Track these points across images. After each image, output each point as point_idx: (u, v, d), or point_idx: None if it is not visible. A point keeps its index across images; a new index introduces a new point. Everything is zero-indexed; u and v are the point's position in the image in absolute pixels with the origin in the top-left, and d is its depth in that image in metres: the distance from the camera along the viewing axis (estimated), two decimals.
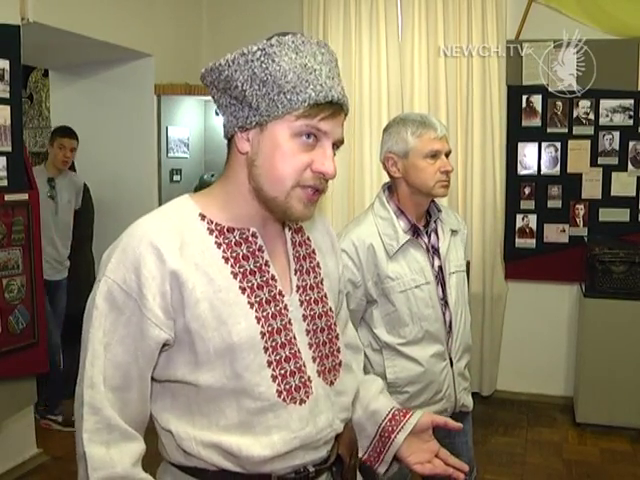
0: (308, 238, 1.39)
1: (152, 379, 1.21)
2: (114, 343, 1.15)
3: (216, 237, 1.22)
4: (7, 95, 3.20)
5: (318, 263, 1.38)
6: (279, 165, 1.17)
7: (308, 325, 1.30)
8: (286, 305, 1.27)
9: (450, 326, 2.17)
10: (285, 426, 1.23)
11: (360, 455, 1.46)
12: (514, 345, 4.81)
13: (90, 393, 1.14)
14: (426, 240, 2.16)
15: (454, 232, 2.25)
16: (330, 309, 1.37)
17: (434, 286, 2.13)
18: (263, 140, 1.18)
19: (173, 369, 1.20)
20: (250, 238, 1.25)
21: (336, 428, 1.32)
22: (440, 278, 2.16)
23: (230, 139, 1.24)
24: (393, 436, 1.44)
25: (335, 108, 1.18)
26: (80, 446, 1.15)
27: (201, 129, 5.35)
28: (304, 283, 1.33)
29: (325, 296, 1.36)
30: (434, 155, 2.07)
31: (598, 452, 3.97)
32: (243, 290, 1.21)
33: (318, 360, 1.31)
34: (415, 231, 2.14)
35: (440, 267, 2.17)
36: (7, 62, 3.18)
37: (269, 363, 1.22)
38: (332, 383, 1.33)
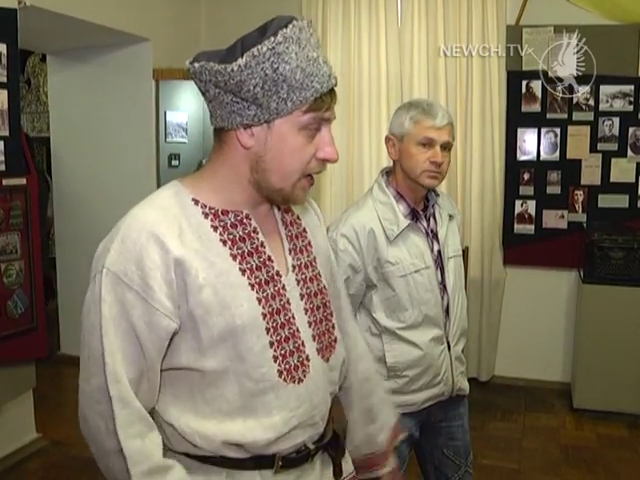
0: (298, 217, 1.41)
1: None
2: (120, 336, 1.15)
3: (211, 221, 1.22)
4: (4, 79, 3.18)
5: (310, 242, 1.40)
6: (288, 160, 1.20)
7: (306, 304, 1.32)
8: (284, 285, 1.28)
9: (448, 310, 2.18)
10: (285, 406, 1.25)
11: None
12: (512, 331, 4.82)
13: (118, 387, 1.13)
14: (425, 224, 2.16)
15: (451, 217, 2.25)
16: (324, 287, 1.39)
17: (433, 270, 2.14)
18: (271, 137, 1.19)
19: (177, 357, 1.20)
20: (244, 220, 1.26)
21: (328, 403, 1.36)
22: (439, 262, 2.17)
23: (221, 129, 1.23)
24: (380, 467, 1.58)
25: (333, 92, 1.20)
26: (113, 442, 1.14)
27: (200, 114, 5.33)
28: (299, 262, 1.34)
29: (319, 274, 1.39)
30: (427, 143, 2.06)
31: (595, 437, 3.98)
32: (243, 272, 1.22)
33: (317, 338, 1.33)
34: (414, 215, 2.14)
35: (439, 251, 2.17)
36: (4, 46, 3.16)
37: (271, 344, 1.23)
38: (328, 360, 1.36)
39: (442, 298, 2.16)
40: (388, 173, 2.21)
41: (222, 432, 1.21)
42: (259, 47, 1.11)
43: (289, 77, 1.12)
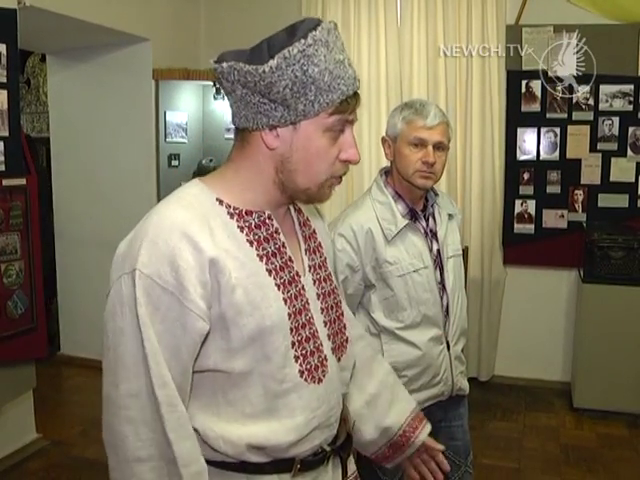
0: (308, 219, 1.41)
1: None
2: (157, 339, 1.12)
3: (237, 221, 1.22)
4: (4, 79, 3.18)
5: (320, 243, 1.41)
6: (315, 162, 1.21)
7: (322, 303, 1.33)
8: (303, 285, 1.29)
9: (447, 310, 2.18)
10: (307, 406, 1.25)
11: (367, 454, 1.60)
12: (512, 330, 4.82)
13: (165, 392, 1.11)
14: (424, 224, 2.17)
15: (450, 216, 2.25)
16: (335, 287, 1.40)
17: (432, 270, 2.14)
18: (297, 138, 1.19)
19: (205, 359, 1.18)
20: (267, 221, 1.25)
21: (341, 404, 1.37)
22: (438, 262, 2.17)
23: (244, 129, 1.22)
24: (405, 449, 1.59)
25: (357, 95, 1.22)
26: (145, 450, 1.12)
27: (199, 114, 5.33)
28: (313, 262, 1.35)
29: (330, 274, 1.40)
30: (418, 144, 2.05)
31: (595, 437, 3.98)
32: (269, 272, 1.22)
33: (332, 337, 1.34)
34: (413, 215, 2.14)
35: (438, 251, 2.17)
36: (4, 46, 3.16)
37: (293, 344, 1.23)
38: (339, 359, 1.36)
39: (441, 298, 2.16)
40: (387, 173, 2.22)
41: (246, 435, 1.21)
42: (290, 49, 1.11)
43: (317, 79, 1.13)
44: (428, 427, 1.64)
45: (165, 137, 4.89)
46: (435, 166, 2.06)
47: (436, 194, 2.22)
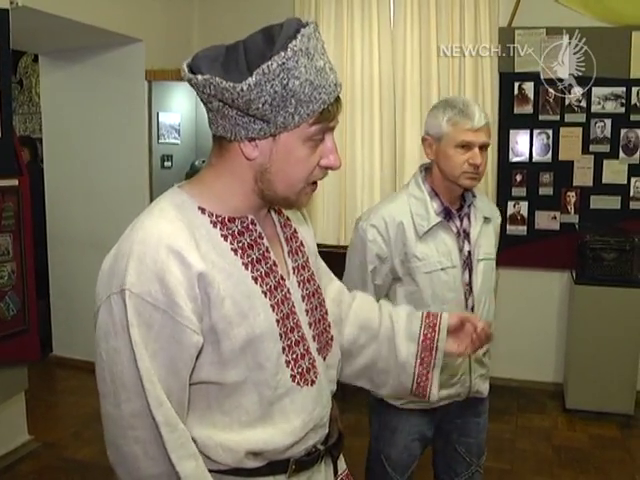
0: (288, 218, 1.40)
1: None
2: (151, 359, 1.11)
3: (220, 229, 1.20)
4: None
5: (301, 242, 1.40)
6: (294, 172, 1.19)
7: (306, 305, 1.32)
8: (288, 289, 1.28)
9: (472, 312, 2.15)
10: (301, 410, 1.26)
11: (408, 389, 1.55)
12: (505, 332, 4.80)
13: (162, 411, 1.10)
14: (458, 224, 2.16)
15: (486, 219, 2.23)
16: (319, 286, 1.39)
17: (460, 271, 2.13)
18: (276, 149, 1.16)
19: (198, 372, 1.17)
20: (250, 226, 1.24)
21: (330, 402, 1.37)
22: (468, 263, 2.16)
23: (221, 137, 1.19)
24: (433, 341, 1.54)
25: (339, 100, 1.18)
26: (155, 467, 1.12)
27: (192, 115, 5.32)
28: (296, 264, 1.34)
29: (313, 274, 1.39)
30: (465, 146, 2.03)
31: (587, 438, 4.00)
32: (255, 280, 1.21)
33: (317, 338, 1.34)
34: (447, 214, 2.13)
35: (469, 252, 2.16)
36: None
37: (283, 349, 1.23)
38: (325, 358, 1.37)
39: (467, 299, 2.15)
40: (427, 169, 2.20)
41: (245, 441, 1.20)
42: (269, 64, 1.06)
43: (298, 92, 1.09)
44: (445, 315, 1.57)
45: (158, 138, 4.88)
46: (480, 167, 2.05)
47: (474, 195, 2.20)
